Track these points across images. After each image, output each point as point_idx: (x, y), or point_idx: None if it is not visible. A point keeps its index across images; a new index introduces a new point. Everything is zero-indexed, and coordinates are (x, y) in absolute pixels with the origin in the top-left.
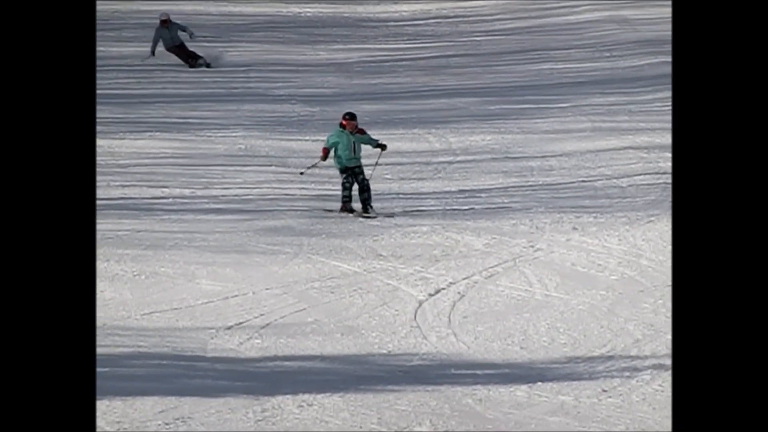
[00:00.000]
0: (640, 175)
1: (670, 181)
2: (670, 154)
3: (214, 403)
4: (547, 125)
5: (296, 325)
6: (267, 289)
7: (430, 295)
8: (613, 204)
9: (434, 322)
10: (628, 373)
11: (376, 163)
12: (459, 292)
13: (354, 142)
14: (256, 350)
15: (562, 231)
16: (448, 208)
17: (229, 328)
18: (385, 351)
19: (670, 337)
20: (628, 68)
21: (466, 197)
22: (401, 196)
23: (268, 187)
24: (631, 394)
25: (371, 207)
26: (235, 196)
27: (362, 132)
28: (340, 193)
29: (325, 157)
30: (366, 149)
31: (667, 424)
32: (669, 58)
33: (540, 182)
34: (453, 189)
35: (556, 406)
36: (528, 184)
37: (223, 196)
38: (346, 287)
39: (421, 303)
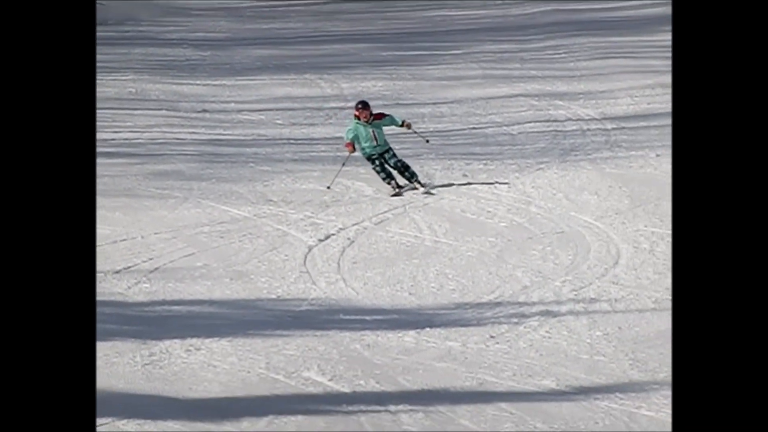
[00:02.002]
0: (530, 122)
1: (559, 129)
2: (561, 102)
3: (101, 346)
4: (438, 72)
5: (185, 269)
6: (156, 233)
7: (320, 240)
8: (503, 151)
9: (324, 268)
10: (515, 320)
11: (426, 140)
12: (349, 238)
13: (373, 131)
14: (144, 294)
15: (453, 178)
16: (339, 154)
17: (118, 272)
18: (274, 296)
19: (557, 284)
20: (520, 16)
21: None
22: (292, 141)
23: (158, 131)
24: (519, 341)
25: (419, 182)
26: (125, 140)
27: (380, 116)
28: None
29: (352, 149)
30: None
31: (554, 370)
32: (560, 6)
33: (431, 129)
34: (344, 135)
35: (444, 352)
36: (419, 131)
37: (112, 139)
38: (236, 232)
39: (310, 248)
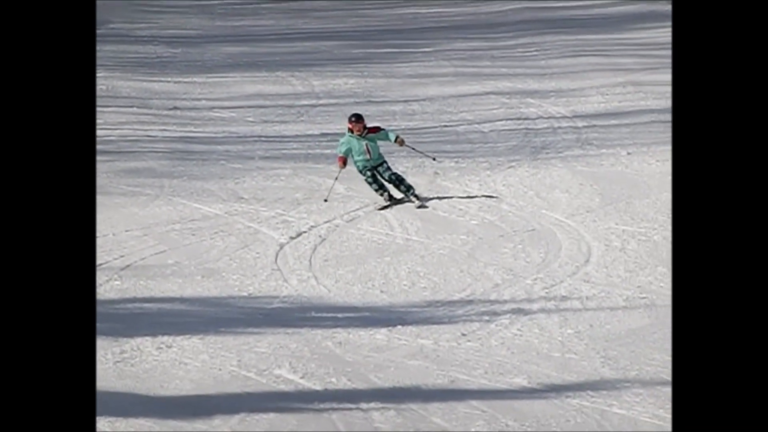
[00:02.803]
0: (501, 120)
1: (531, 126)
2: (532, 100)
3: None
4: (410, 70)
5: (156, 267)
6: (127, 230)
7: (292, 238)
8: (474, 149)
9: (295, 266)
10: (487, 318)
11: (433, 158)
12: (320, 236)
13: (367, 144)
14: (115, 291)
15: (424, 175)
16: (310, 151)
17: None
18: (245, 294)
19: (528, 282)
20: (491, 13)
21: (328, 141)
22: (263, 138)
23: (129, 129)
24: (490, 338)
25: (416, 195)
26: (96, 137)
27: (375, 130)
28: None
29: (343, 165)
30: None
31: (525, 368)
32: (531, 4)
33: (402, 126)
34: (315, 132)
35: (416, 350)
36: (390, 129)
37: None
38: (207, 230)
39: (282, 246)
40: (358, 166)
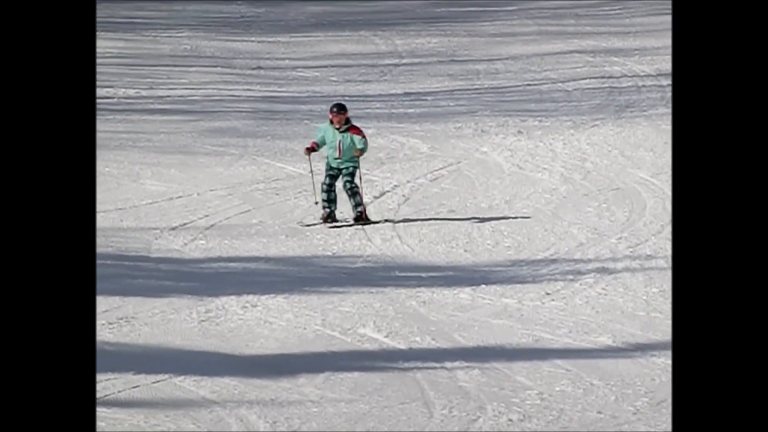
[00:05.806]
0: (585, 79)
1: (615, 85)
2: (616, 58)
3: (158, 303)
4: (493, 28)
5: (241, 226)
6: (212, 190)
7: (375, 197)
8: (558, 108)
9: (379, 225)
10: (571, 277)
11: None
12: (404, 195)
13: (340, 141)
14: (200, 251)
15: (507, 134)
16: (393, 111)
17: (174, 228)
18: (329, 253)
19: (613, 240)
20: None
21: (411, 100)
22: (347, 98)
23: (213, 88)
24: (574, 297)
25: (360, 215)
26: (180, 96)
27: (356, 130)
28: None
29: (309, 151)
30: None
31: (610, 327)
32: None
33: (486, 85)
34: (399, 92)
35: (500, 309)
36: (473, 88)
37: (168, 96)
38: (291, 189)
39: (366, 205)
40: (327, 163)
